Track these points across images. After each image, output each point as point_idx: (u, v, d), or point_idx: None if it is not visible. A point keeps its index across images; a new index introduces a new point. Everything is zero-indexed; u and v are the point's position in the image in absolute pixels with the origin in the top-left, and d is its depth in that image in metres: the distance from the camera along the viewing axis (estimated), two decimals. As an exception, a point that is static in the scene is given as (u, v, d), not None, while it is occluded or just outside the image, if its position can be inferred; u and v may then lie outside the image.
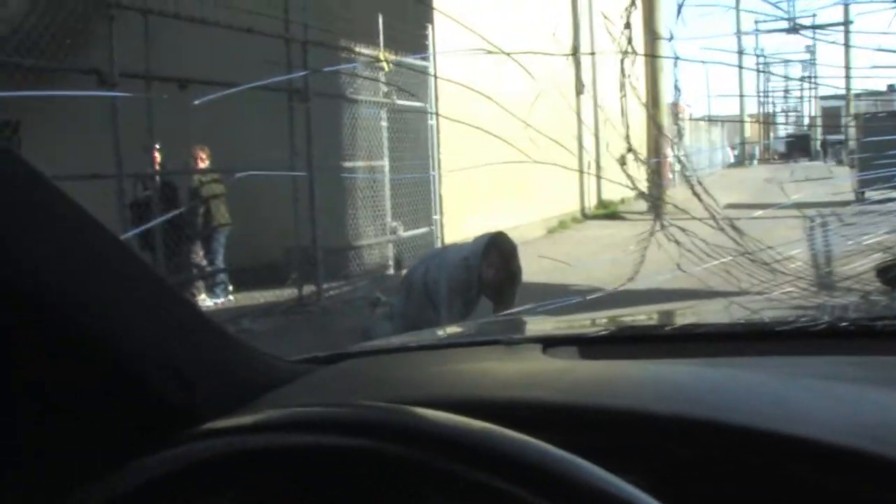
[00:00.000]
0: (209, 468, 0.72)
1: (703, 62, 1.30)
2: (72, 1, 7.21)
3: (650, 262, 1.43)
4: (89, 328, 0.83)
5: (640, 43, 1.62)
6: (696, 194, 1.23)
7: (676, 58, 1.14)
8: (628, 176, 1.26)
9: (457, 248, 6.18)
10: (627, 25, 1.14)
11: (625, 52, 1.14)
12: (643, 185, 1.33)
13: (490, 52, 1.36)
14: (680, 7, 1.11)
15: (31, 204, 0.80)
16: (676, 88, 1.21)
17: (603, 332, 1.26)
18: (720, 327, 1.28)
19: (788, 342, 1.17)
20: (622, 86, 1.18)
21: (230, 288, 9.75)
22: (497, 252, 5.26)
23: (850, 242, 1.50)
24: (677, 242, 1.22)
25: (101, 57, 7.35)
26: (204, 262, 9.76)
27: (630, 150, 1.22)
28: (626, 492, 0.56)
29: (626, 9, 1.14)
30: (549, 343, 1.20)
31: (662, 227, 1.23)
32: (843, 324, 1.20)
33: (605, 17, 1.13)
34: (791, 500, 0.69)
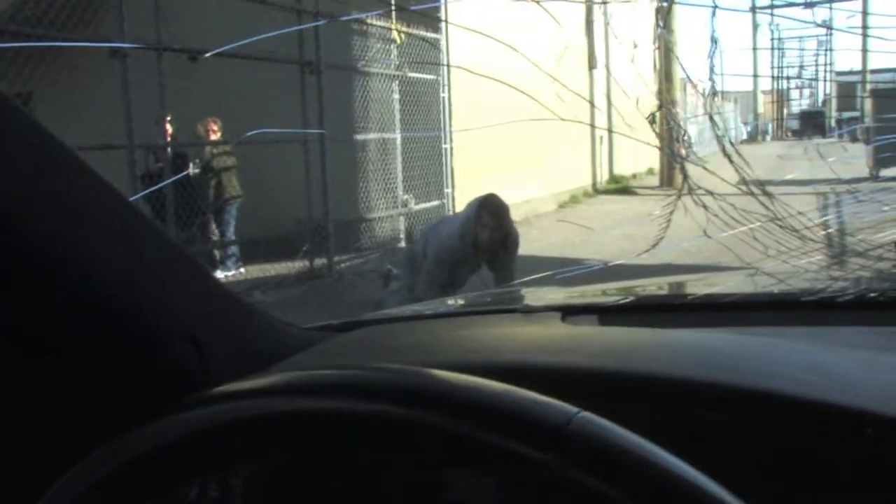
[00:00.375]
0: (222, 431, 0.70)
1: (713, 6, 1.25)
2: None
3: (671, 231, 1.40)
4: (105, 292, 0.81)
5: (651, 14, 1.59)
6: (726, 156, 1.20)
7: (714, 6, 1.10)
8: (657, 134, 1.23)
9: (452, 218, 6.14)
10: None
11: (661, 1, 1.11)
12: (683, 140, 1.29)
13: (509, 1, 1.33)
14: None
15: (46, 169, 0.79)
16: (713, 40, 1.17)
17: (623, 301, 1.24)
18: (743, 297, 1.25)
19: (815, 313, 1.14)
20: (656, 38, 1.15)
21: (240, 260, 9.77)
22: (488, 212, 5.23)
23: (884, 210, 1.47)
24: (705, 207, 1.19)
25: (112, 28, 7.33)
26: (215, 235, 9.77)
27: (661, 107, 1.19)
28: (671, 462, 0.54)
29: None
30: (569, 312, 1.17)
31: (690, 190, 1.20)
32: (871, 295, 1.17)
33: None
34: (833, 468, 0.67)
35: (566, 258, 8.49)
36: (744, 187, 1.18)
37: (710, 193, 1.18)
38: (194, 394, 0.71)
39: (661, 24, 1.11)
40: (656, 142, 1.24)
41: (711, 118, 1.31)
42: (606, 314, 1.18)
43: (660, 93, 1.17)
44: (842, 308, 1.12)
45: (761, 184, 1.19)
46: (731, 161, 1.20)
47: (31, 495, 0.71)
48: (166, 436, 0.70)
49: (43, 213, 0.77)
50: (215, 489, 0.83)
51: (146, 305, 0.85)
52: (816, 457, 0.67)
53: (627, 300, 1.23)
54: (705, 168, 1.23)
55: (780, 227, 1.18)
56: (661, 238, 1.29)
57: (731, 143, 1.21)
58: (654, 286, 1.58)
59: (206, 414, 0.69)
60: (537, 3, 1.32)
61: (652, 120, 1.19)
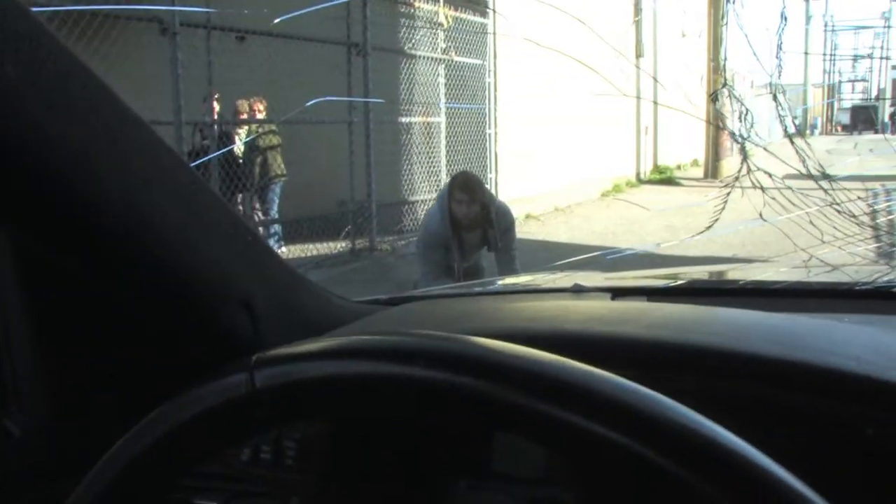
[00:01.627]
0: (276, 393, 0.71)
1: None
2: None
3: (722, 219, 1.39)
4: (167, 255, 0.82)
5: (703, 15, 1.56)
6: (788, 136, 1.19)
7: None
8: (719, 113, 1.22)
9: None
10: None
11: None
12: (746, 120, 1.27)
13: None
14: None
15: (115, 133, 0.80)
16: (783, 17, 1.15)
17: (673, 284, 1.23)
18: (795, 284, 1.24)
19: (869, 301, 1.13)
20: (722, 16, 1.13)
21: (283, 239, 9.84)
22: (457, 187, 5.21)
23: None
24: (762, 189, 1.18)
25: (163, 5, 7.41)
26: (259, 213, 9.84)
27: (725, 84, 1.17)
28: (728, 439, 0.54)
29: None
30: (618, 293, 1.17)
31: (749, 170, 1.18)
32: None
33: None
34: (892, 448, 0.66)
35: (607, 246, 8.44)
36: (804, 170, 1.16)
37: (770, 174, 1.16)
38: (246, 357, 0.72)
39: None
40: (711, 122, 1.23)
41: (775, 97, 1.29)
42: (655, 296, 1.17)
43: (723, 70, 1.16)
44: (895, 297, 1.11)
45: (822, 168, 1.17)
46: (792, 142, 1.18)
47: (95, 452, 0.73)
48: (217, 398, 0.71)
49: (112, 175, 0.78)
50: (268, 451, 0.84)
51: (205, 270, 0.86)
52: (876, 437, 0.66)
53: (677, 283, 1.22)
54: (765, 149, 1.22)
55: (839, 212, 1.16)
56: (716, 219, 1.28)
57: (795, 126, 1.20)
58: (701, 272, 1.56)
59: (259, 375, 0.70)
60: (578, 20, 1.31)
61: (714, 98, 1.18)
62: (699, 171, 18.62)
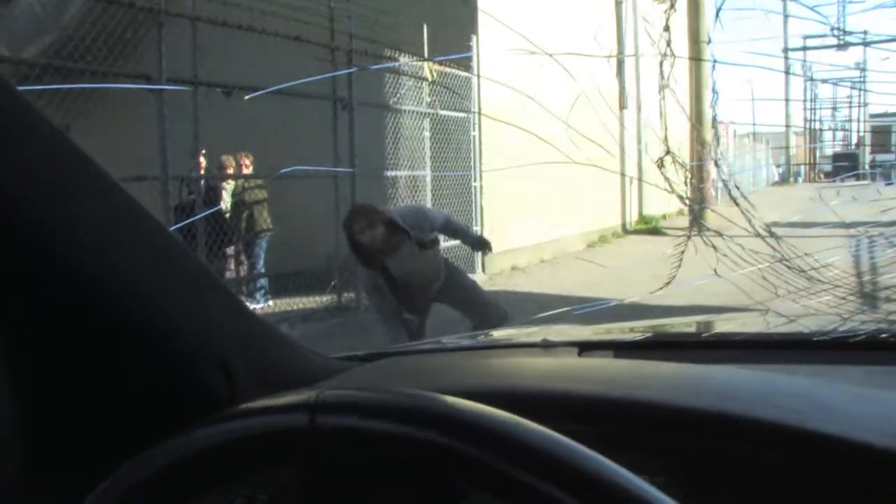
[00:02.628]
0: (241, 446, 0.74)
1: (739, 64, 1.30)
2: (124, 9, 7.35)
3: (686, 272, 1.43)
4: (141, 316, 0.85)
5: (683, 50, 1.63)
6: (733, 199, 1.23)
7: (715, 61, 1.14)
8: (666, 179, 1.27)
9: None
10: (667, 28, 1.15)
11: (663, 55, 1.15)
12: (682, 193, 1.33)
13: (532, 53, 1.37)
14: (718, 11, 1.11)
15: (90, 197, 0.83)
16: (714, 91, 1.21)
17: (638, 338, 1.27)
18: (755, 336, 1.28)
19: (825, 352, 1.17)
20: (661, 88, 1.19)
21: (269, 293, 9.85)
22: (348, 221, 5.25)
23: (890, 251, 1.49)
24: (714, 247, 1.22)
25: (150, 62, 7.50)
26: (245, 267, 9.87)
27: (668, 152, 1.22)
28: (650, 494, 0.57)
29: (666, 11, 1.15)
30: (586, 347, 1.20)
31: (700, 230, 1.23)
32: (882, 336, 1.19)
33: (646, 20, 1.13)
34: (831, 497, 0.69)
35: (592, 297, 8.47)
36: (750, 229, 1.21)
37: (719, 234, 1.21)
38: (219, 412, 0.75)
39: (665, 76, 1.14)
40: (677, 184, 1.28)
41: (717, 163, 1.34)
42: (622, 349, 1.21)
43: (665, 140, 1.21)
44: (852, 348, 1.15)
45: (768, 227, 1.22)
46: (736, 204, 1.23)
47: None
48: (188, 449, 0.73)
49: (87, 239, 0.81)
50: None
51: (180, 330, 0.89)
52: (800, 481, 0.70)
53: (642, 337, 1.26)
54: (714, 211, 1.27)
55: (788, 267, 1.20)
56: (673, 276, 1.32)
57: (737, 187, 1.25)
58: (669, 324, 1.60)
59: (226, 429, 0.72)
60: (555, 59, 1.37)
61: (661, 164, 1.23)
62: (685, 221, 18.75)
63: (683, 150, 1.61)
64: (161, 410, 0.88)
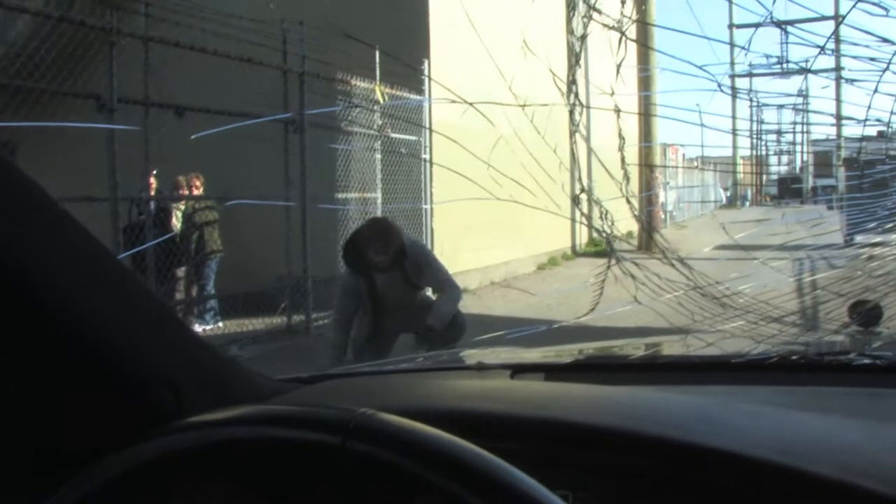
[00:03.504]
0: (187, 457, 0.79)
1: (666, 118, 1.39)
2: (74, 27, 7.30)
3: (616, 299, 1.51)
4: (89, 339, 0.89)
5: (632, 77, 1.70)
6: (646, 231, 1.31)
7: (618, 110, 1.22)
8: (583, 214, 1.34)
9: None
10: (573, 82, 1.23)
11: (573, 105, 1.22)
12: (606, 219, 1.40)
13: (460, 101, 1.44)
14: (618, 67, 1.19)
15: (36, 221, 0.87)
16: (621, 137, 1.29)
17: (567, 361, 1.34)
18: (678, 358, 1.36)
19: (741, 374, 1.25)
20: (571, 133, 1.26)
21: (219, 315, 9.81)
22: (371, 236, 5.52)
23: (820, 278, 1.57)
24: (632, 276, 1.30)
25: (100, 82, 7.45)
26: (194, 288, 9.82)
27: (583, 190, 1.30)
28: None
29: (571, 67, 1.23)
30: (518, 370, 1.27)
31: (618, 261, 1.31)
32: (794, 357, 1.28)
33: (552, 73, 1.21)
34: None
35: (541, 319, 8.57)
36: (664, 259, 1.29)
37: (636, 264, 1.28)
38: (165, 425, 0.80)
39: (575, 123, 1.22)
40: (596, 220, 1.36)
41: (628, 200, 1.42)
42: (552, 372, 1.28)
43: (579, 180, 1.29)
44: (766, 370, 1.23)
45: (681, 259, 1.30)
46: (652, 238, 1.31)
47: None
48: (131, 462, 0.79)
49: (34, 265, 0.85)
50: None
51: (127, 352, 0.93)
52: (690, 492, 0.77)
53: (571, 360, 1.34)
54: (628, 243, 1.34)
55: (702, 295, 1.28)
56: (596, 303, 1.40)
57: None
58: (599, 347, 1.68)
59: (165, 442, 0.78)
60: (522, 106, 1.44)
61: (577, 201, 1.30)
62: (633, 243, 18.98)
63: (633, 171, 1.68)
64: (108, 429, 0.93)
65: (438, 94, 10.49)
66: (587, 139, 1.28)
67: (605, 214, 1.34)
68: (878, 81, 1.13)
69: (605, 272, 1.30)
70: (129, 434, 0.83)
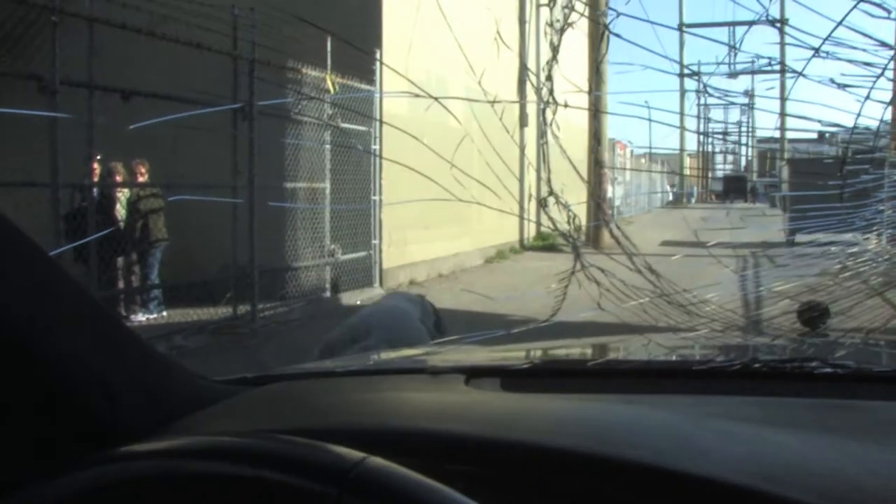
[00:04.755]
0: (115, 491, 0.74)
1: (630, 115, 1.36)
2: (14, 5, 7.09)
3: (577, 299, 1.48)
4: (13, 340, 0.84)
5: (574, 86, 1.68)
6: (614, 237, 1.28)
7: (598, 111, 1.19)
8: (550, 218, 1.31)
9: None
10: (549, 78, 1.19)
11: (546, 103, 1.19)
12: (568, 225, 1.38)
13: (419, 95, 1.40)
14: (598, 64, 1.16)
15: None
16: (597, 139, 1.26)
17: (525, 366, 1.30)
18: (639, 364, 1.33)
19: (704, 381, 1.22)
20: (542, 133, 1.23)
21: (163, 304, 9.66)
22: None
23: (776, 284, 1.56)
24: (597, 283, 1.27)
25: (42, 63, 7.25)
26: (138, 276, 9.65)
27: (551, 193, 1.27)
28: None
29: (548, 62, 1.19)
30: (473, 374, 1.23)
31: (583, 266, 1.27)
32: (756, 365, 1.25)
33: (529, 70, 1.17)
34: None
35: (490, 313, 8.57)
36: (632, 265, 1.26)
37: (602, 270, 1.25)
38: (97, 452, 0.75)
39: (546, 122, 1.19)
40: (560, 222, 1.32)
41: (599, 204, 1.39)
42: (509, 377, 1.24)
43: (548, 181, 1.25)
44: (729, 377, 1.20)
45: (648, 263, 1.27)
46: (619, 243, 1.28)
47: None
48: (71, 490, 0.73)
49: None
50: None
51: (60, 358, 0.87)
52: None
53: (528, 365, 1.30)
54: (595, 249, 1.32)
55: (668, 302, 1.26)
56: (557, 309, 1.36)
57: (618, 227, 1.30)
58: (562, 349, 1.65)
59: (95, 475, 0.72)
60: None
61: (544, 204, 1.27)
62: (581, 239, 19.10)
63: (582, 168, 1.66)
64: (42, 441, 0.87)
65: (390, 86, 10.42)
66: (556, 137, 1.24)
67: (573, 219, 1.30)
68: (871, 88, 1.11)
69: (569, 277, 1.27)
70: (60, 455, 0.78)
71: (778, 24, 1.31)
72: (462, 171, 1.43)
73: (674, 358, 1.40)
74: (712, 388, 1.20)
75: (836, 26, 1.04)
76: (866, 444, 0.88)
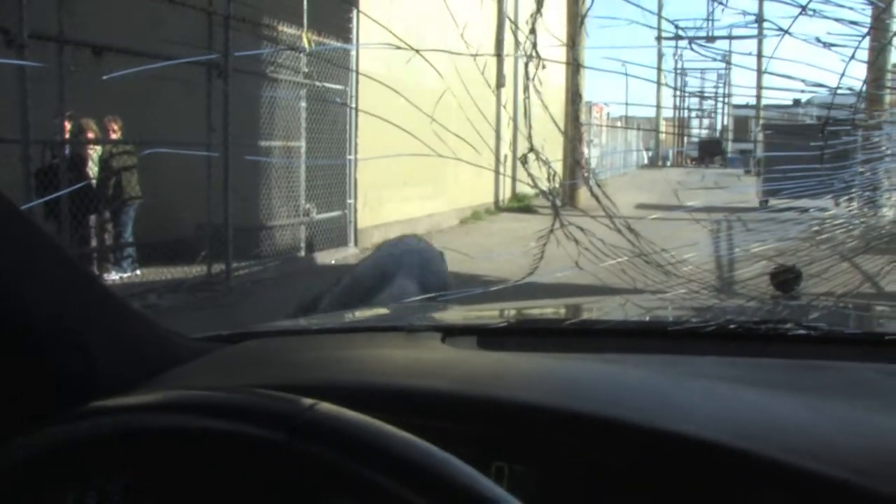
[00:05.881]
0: (97, 445, 0.73)
1: (608, 71, 1.35)
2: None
3: (554, 258, 1.47)
4: None
5: (557, 40, 1.67)
6: (594, 196, 1.28)
7: (578, 65, 1.17)
8: (530, 174, 1.30)
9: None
10: (532, 31, 1.18)
11: (529, 57, 1.18)
12: (548, 183, 1.37)
13: (400, 48, 1.38)
14: (582, 19, 1.14)
15: None
16: (579, 95, 1.25)
17: (502, 324, 1.30)
18: (616, 324, 1.33)
19: (679, 341, 1.23)
20: (525, 88, 1.22)
21: (136, 262, 9.60)
22: None
23: (752, 246, 1.57)
24: (576, 241, 1.27)
25: (10, 16, 7.10)
26: (111, 235, 9.57)
27: (532, 149, 1.26)
28: (493, 491, 0.60)
29: (532, 15, 1.18)
30: (450, 332, 1.23)
31: (562, 225, 1.27)
32: (731, 326, 1.26)
33: (511, 21, 1.16)
34: (666, 491, 0.74)
35: (465, 273, 8.58)
36: (611, 225, 1.26)
37: (581, 229, 1.25)
38: (74, 407, 0.74)
39: (531, 77, 1.18)
40: (541, 179, 1.32)
41: (579, 163, 1.39)
42: (485, 336, 1.24)
43: (529, 138, 1.24)
44: (704, 338, 1.21)
45: (628, 224, 1.27)
46: (598, 201, 1.28)
47: None
48: (45, 445, 0.72)
49: None
50: (93, 498, 0.85)
51: (34, 312, 0.86)
52: (645, 476, 0.74)
53: (506, 323, 1.30)
54: (576, 207, 1.32)
55: (647, 262, 1.26)
56: (535, 268, 1.36)
57: (598, 185, 1.30)
58: (538, 308, 1.65)
59: (83, 426, 0.71)
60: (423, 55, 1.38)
61: (524, 161, 1.26)
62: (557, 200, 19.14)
63: (554, 130, 1.65)
64: (16, 396, 0.86)
65: (366, 42, 10.32)
66: (538, 93, 1.23)
67: (553, 176, 1.30)
68: (856, 48, 1.10)
69: (548, 235, 1.26)
70: (34, 410, 0.77)
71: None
72: (441, 125, 1.42)
73: (649, 318, 1.41)
74: (688, 349, 1.21)
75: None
76: (838, 403, 0.90)
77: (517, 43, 1.19)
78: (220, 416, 0.67)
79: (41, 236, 0.92)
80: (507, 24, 16.69)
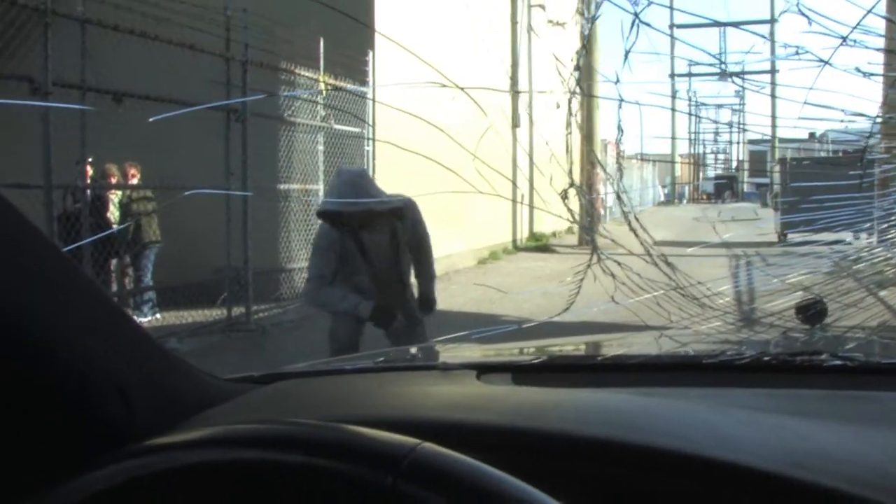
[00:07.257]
0: (147, 484, 0.73)
1: (640, 104, 1.35)
2: (5, 5, 7.05)
3: (584, 295, 1.47)
4: (31, 342, 0.83)
5: (603, 77, 1.68)
6: (632, 230, 1.28)
7: (621, 100, 1.19)
8: (569, 210, 1.31)
9: None
10: (577, 68, 1.19)
11: (572, 93, 1.19)
12: (583, 223, 1.38)
13: (430, 84, 1.40)
14: (627, 54, 1.16)
15: None
16: (619, 129, 1.26)
17: (536, 361, 1.30)
18: (649, 359, 1.33)
19: (715, 374, 1.22)
20: (568, 123, 1.23)
21: (157, 306, 9.63)
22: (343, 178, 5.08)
23: (774, 280, 1.57)
24: (612, 275, 1.27)
25: (34, 65, 7.21)
26: (132, 279, 9.62)
27: (572, 184, 1.27)
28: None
29: (577, 52, 1.19)
30: (484, 370, 1.23)
31: (599, 259, 1.27)
32: (766, 358, 1.26)
33: (557, 59, 1.18)
34: None
35: (484, 314, 8.57)
36: (648, 259, 1.26)
37: (618, 263, 1.25)
38: (119, 449, 0.74)
39: (573, 112, 1.19)
40: (566, 212, 1.32)
41: (619, 197, 1.39)
42: (519, 373, 1.24)
43: (570, 173, 1.25)
44: (739, 370, 1.21)
45: (665, 257, 1.27)
46: (636, 235, 1.28)
47: None
48: (89, 490, 0.72)
49: None
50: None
51: (76, 358, 0.86)
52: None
53: (539, 360, 1.29)
54: (613, 241, 1.32)
55: (682, 295, 1.26)
56: (572, 302, 1.36)
57: (636, 219, 1.30)
58: (566, 346, 1.65)
59: (125, 468, 0.71)
60: (452, 83, 1.40)
61: (564, 196, 1.27)
62: (574, 239, 19.15)
63: (575, 166, 1.66)
64: (60, 443, 0.86)
65: (383, 90, 10.41)
66: (580, 127, 1.24)
67: (591, 210, 1.30)
68: None
69: (587, 269, 1.26)
70: (77, 456, 0.77)
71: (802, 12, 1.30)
72: (473, 160, 1.42)
73: (683, 352, 1.40)
74: (724, 381, 1.20)
75: (866, 14, 1.04)
76: (883, 433, 0.89)
77: (531, 82, 1.20)
78: (319, 453, 0.65)
79: (84, 282, 0.92)
80: (524, 63, 16.80)
